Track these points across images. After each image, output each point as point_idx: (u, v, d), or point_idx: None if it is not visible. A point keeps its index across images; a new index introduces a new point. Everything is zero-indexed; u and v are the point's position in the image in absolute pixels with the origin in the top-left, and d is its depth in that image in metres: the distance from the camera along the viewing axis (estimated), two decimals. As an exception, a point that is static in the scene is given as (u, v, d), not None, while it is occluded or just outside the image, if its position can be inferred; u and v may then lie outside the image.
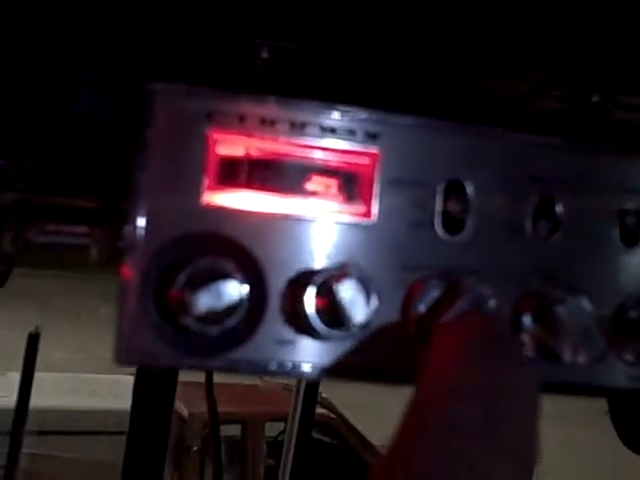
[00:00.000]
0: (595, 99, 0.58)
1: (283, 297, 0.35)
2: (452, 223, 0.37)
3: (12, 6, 0.44)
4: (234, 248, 0.35)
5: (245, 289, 0.34)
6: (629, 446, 0.69)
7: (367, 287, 0.35)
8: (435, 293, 0.37)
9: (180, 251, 0.34)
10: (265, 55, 0.55)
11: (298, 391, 1.47)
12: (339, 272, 0.35)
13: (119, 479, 0.95)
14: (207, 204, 0.35)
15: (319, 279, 0.34)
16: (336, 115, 0.37)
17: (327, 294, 0.34)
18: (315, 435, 2.41)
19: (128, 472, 0.92)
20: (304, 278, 0.35)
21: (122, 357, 0.34)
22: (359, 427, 3.16)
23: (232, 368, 0.35)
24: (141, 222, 0.34)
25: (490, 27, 0.55)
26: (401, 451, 0.28)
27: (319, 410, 2.36)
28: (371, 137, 0.37)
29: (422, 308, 0.36)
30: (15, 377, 1.33)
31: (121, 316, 0.34)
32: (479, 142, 0.38)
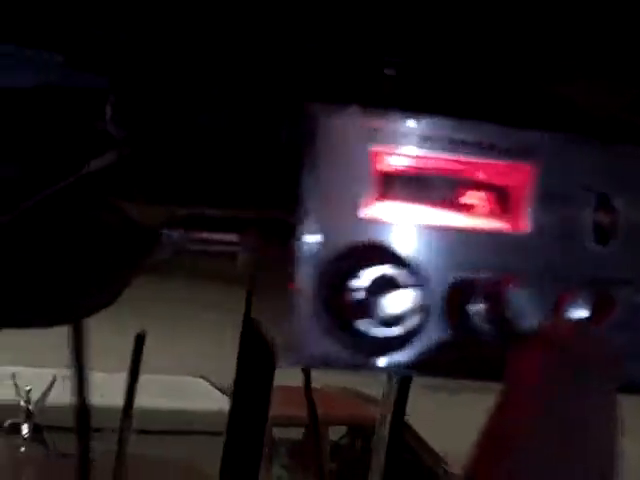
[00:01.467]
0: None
1: (444, 302, 0.37)
2: (602, 235, 0.39)
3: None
4: (397, 257, 0.37)
5: (417, 295, 0.36)
6: None
7: (538, 297, 0.37)
8: (585, 303, 0.38)
9: (349, 260, 0.36)
10: (391, 72, 0.57)
11: (388, 396, 1.49)
12: (508, 280, 0.37)
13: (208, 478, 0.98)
14: (370, 217, 0.38)
15: (483, 286, 0.36)
16: (489, 132, 0.39)
17: (496, 301, 0.36)
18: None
19: (225, 473, 0.95)
20: (465, 285, 0.37)
21: (296, 358, 0.37)
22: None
23: (397, 368, 0.37)
24: (312, 236, 0.37)
25: (585, 37, 0.56)
26: None
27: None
28: (525, 153, 0.39)
29: (572, 316, 0.38)
30: (106, 377, 1.38)
31: (291, 323, 0.37)
32: (622, 159, 0.40)
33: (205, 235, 0.46)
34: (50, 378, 1.81)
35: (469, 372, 0.39)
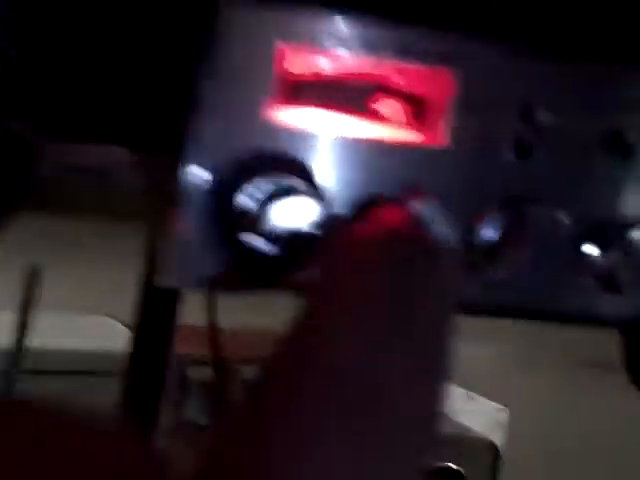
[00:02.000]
0: None
1: (350, 221, 0.34)
2: (523, 148, 0.36)
3: None
4: (296, 167, 0.33)
5: (312, 207, 0.32)
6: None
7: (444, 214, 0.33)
8: (501, 221, 0.36)
9: (245, 167, 0.32)
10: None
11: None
12: (417, 194, 0.33)
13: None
14: (273, 121, 0.34)
15: (392, 201, 0.33)
16: (411, 35, 0.35)
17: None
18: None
19: (125, 411, 0.91)
20: (373, 201, 0.34)
21: (179, 279, 0.33)
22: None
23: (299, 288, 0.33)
24: (205, 137, 0.33)
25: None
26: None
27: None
28: (444, 59, 0.35)
29: (488, 235, 0.35)
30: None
31: (176, 236, 0.33)
32: (549, 68, 0.37)
33: (87, 147, 0.41)
34: None
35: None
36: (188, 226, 0.32)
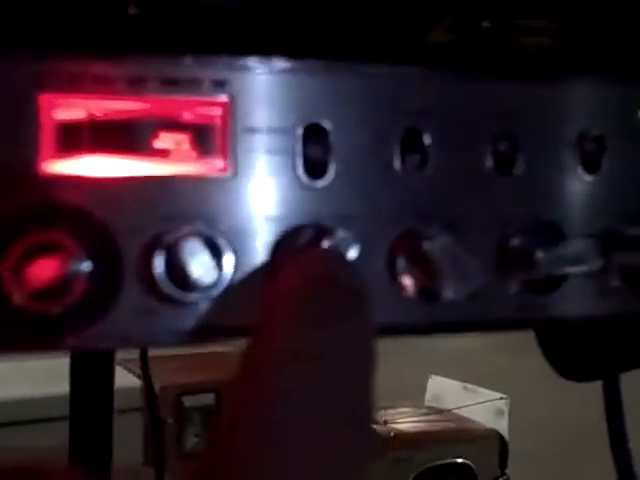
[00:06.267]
0: (485, 25, 0.56)
1: (138, 265, 0.33)
2: (314, 167, 0.35)
3: None
4: (78, 218, 0.33)
5: (86, 263, 0.31)
6: (563, 374, 0.68)
7: (218, 244, 0.33)
8: (302, 241, 0.35)
9: (16, 225, 0.32)
10: (133, 11, 0.52)
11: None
12: (184, 231, 0.32)
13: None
14: (46, 174, 0.33)
15: (168, 240, 0.32)
16: (177, 65, 0.34)
17: (174, 255, 0.32)
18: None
19: (74, 456, 0.90)
20: (156, 242, 0.33)
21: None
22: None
23: (89, 345, 0.33)
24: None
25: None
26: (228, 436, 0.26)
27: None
28: (219, 85, 0.35)
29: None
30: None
31: None
32: (338, 80, 0.36)
33: None
34: None
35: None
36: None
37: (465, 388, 2.68)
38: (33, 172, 0.33)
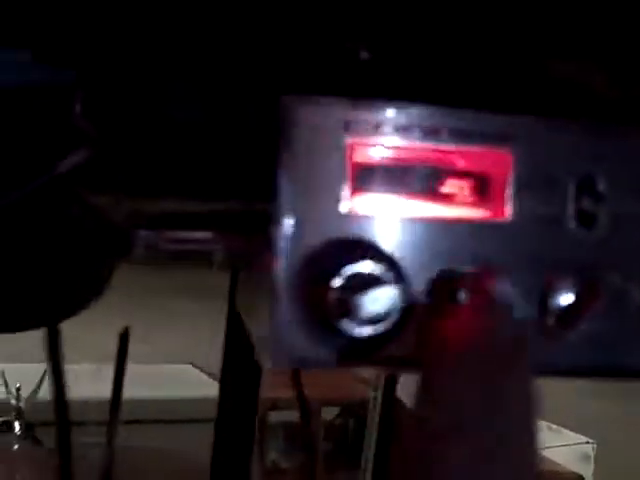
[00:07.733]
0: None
1: (428, 297, 0.36)
2: (586, 219, 0.38)
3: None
4: (378, 253, 0.36)
5: (397, 292, 0.35)
6: None
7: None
8: (570, 290, 0.37)
9: (329, 258, 0.35)
10: (365, 56, 0.55)
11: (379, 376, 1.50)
12: (491, 273, 0.36)
13: (200, 466, 0.98)
14: (347, 211, 0.37)
15: (467, 279, 0.36)
16: (467, 118, 0.38)
17: (481, 293, 0.35)
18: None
19: (217, 461, 0.94)
20: (448, 279, 0.36)
21: (275, 360, 0.36)
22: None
23: (385, 364, 0.36)
24: (288, 230, 0.36)
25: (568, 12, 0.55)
26: None
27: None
28: (504, 138, 0.38)
29: (559, 303, 0.37)
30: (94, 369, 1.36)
31: (271, 320, 0.36)
32: (606, 139, 0.39)
33: (178, 234, 0.45)
34: (39, 373, 1.80)
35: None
36: (280, 310, 0.35)
37: (550, 428, 2.65)
38: (337, 208, 0.37)
